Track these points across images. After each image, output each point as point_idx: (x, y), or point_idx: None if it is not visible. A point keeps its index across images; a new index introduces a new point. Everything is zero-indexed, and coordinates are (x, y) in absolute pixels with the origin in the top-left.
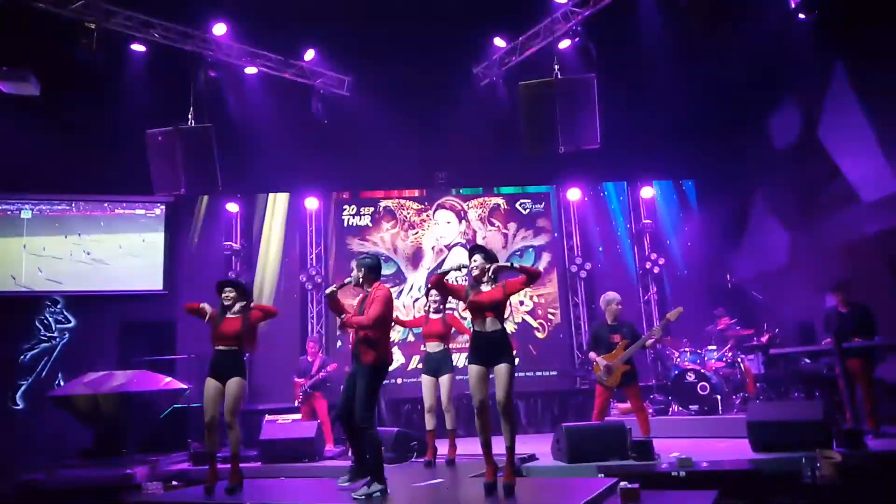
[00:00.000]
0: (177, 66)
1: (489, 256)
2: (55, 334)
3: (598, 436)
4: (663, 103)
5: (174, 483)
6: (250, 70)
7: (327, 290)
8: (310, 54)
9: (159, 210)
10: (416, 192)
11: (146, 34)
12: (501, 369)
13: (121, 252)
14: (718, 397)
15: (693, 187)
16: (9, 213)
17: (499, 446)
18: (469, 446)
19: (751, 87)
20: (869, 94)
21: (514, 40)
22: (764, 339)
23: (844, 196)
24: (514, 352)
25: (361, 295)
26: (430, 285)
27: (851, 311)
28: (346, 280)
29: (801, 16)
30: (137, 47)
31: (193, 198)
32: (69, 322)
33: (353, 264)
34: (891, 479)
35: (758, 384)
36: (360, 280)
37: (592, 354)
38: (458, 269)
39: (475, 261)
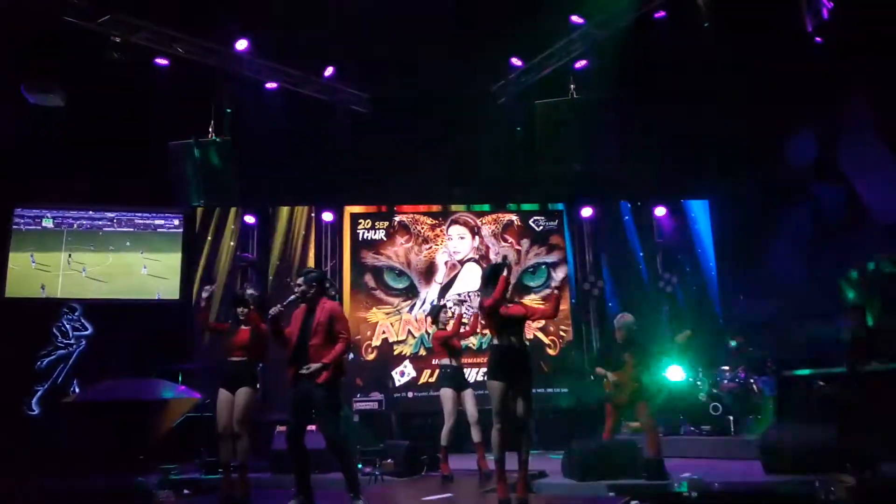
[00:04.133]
0: (199, 81)
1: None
2: (72, 341)
3: (609, 454)
4: (679, 123)
5: (186, 491)
6: (271, 85)
7: (273, 312)
8: (329, 70)
9: (178, 221)
10: (431, 208)
11: (170, 49)
12: (527, 386)
13: (139, 262)
14: (731, 418)
15: (707, 208)
16: (31, 222)
17: (508, 463)
18: (462, 461)
19: (767, 108)
20: (887, 117)
21: (531, 60)
22: (773, 364)
23: (860, 219)
24: None
25: (302, 309)
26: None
27: (868, 334)
28: (292, 297)
29: (818, 39)
30: (161, 61)
31: (212, 209)
32: (86, 330)
33: (300, 280)
34: None
35: (770, 406)
36: (309, 295)
37: (601, 370)
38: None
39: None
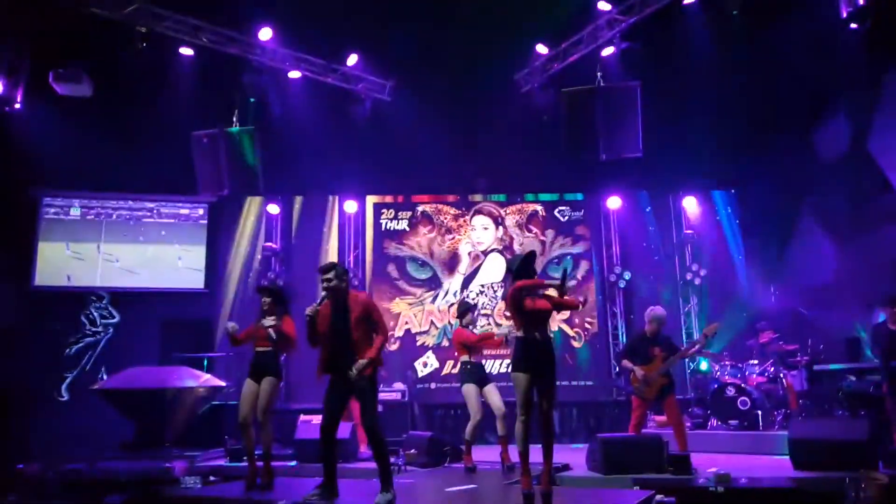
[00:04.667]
0: (223, 70)
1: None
2: (100, 329)
3: (635, 448)
4: (708, 112)
5: (211, 478)
6: (294, 74)
7: (309, 312)
8: (352, 59)
9: (202, 210)
10: (454, 198)
11: (194, 38)
12: (551, 379)
13: (164, 251)
14: (759, 413)
15: (737, 198)
16: (59, 212)
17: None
18: (483, 453)
19: (799, 96)
20: None
21: (557, 47)
22: (804, 359)
23: (894, 210)
24: None
25: (326, 304)
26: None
27: None
28: (324, 296)
29: (853, 25)
30: (185, 51)
31: (235, 198)
32: (113, 318)
33: (331, 275)
34: None
35: (800, 401)
36: (342, 287)
37: (627, 363)
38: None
39: (535, 268)
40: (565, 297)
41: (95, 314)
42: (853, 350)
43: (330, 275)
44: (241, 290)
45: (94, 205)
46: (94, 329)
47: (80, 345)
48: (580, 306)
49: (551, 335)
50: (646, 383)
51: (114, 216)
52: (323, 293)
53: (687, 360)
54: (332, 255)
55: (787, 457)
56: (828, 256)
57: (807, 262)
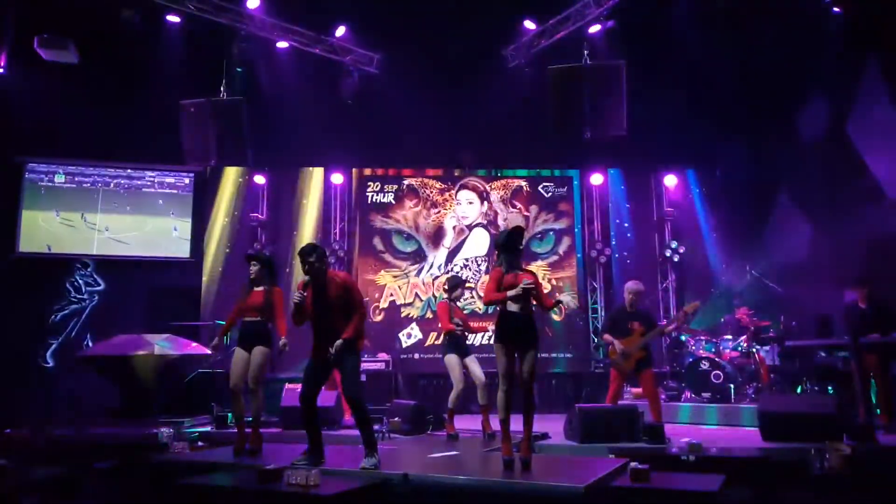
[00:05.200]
0: (211, 39)
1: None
2: (85, 296)
3: (611, 418)
4: (691, 91)
5: (199, 444)
6: (282, 45)
7: (296, 299)
8: (340, 31)
9: (188, 180)
10: (440, 172)
11: (182, 6)
12: (532, 351)
13: (150, 220)
14: (732, 386)
15: (716, 177)
16: (43, 178)
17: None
18: (465, 422)
19: (780, 78)
20: None
21: (545, 23)
22: (776, 335)
23: (870, 192)
24: None
25: (305, 281)
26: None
27: (871, 307)
28: (306, 280)
29: (836, 9)
30: (173, 18)
31: (221, 169)
32: (98, 285)
33: (312, 258)
34: None
35: (772, 375)
36: (322, 270)
37: (608, 337)
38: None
39: (522, 243)
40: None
41: (80, 281)
42: (824, 327)
43: (312, 257)
44: (226, 260)
45: (80, 172)
46: (79, 296)
47: (66, 312)
48: (554, 307)
49: (532, 308)
50: (623, 357)
51: (99, 184)
52: (306, 277)
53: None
54: (318, 227)
55: (757, 429)
56: (803, 236)
57: (782, 241)
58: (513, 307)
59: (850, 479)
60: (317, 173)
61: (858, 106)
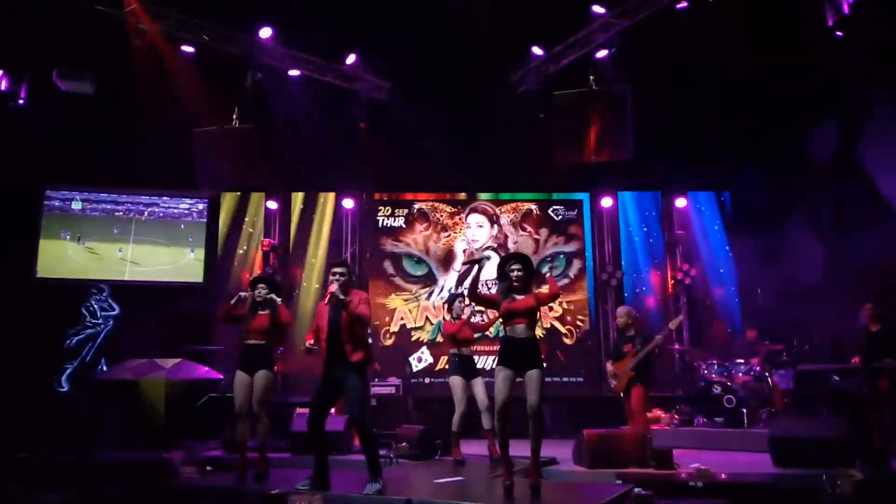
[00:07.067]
0: (224, 68)
1: (527, 265)
2: (100, 321)
3: (619, 443)
4: (701, 114)
5: (208, 468)
6: (293, 72)
7: (326, 300)
8: (351, 59)
9: (202, 206)
10: (450, 196)
11: (195, 36)
12: (534, 374)
13: (164, 244)
14: (744, 411)
15: (728, 200)
16: (60, 205)
17: (521, 449)
18: (475, 447)
19: (790, 102)
20: None
21: (552, 49)
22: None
23: (881, 216)
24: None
25: (330, 299)
26: (471, 299)
27: (883, 331)
28: (339, 295)
29: (839, 33)
30: (187, 49)
31: (236, 194)
32: (113, 310)
33: (343, 270)
34: None
35: (785, 400)
36: (349, 285)
37: (608, 362)
38: (479, 261)
39: (515, 270)
40: (543, 292)
41: (96, 306)
42: (837, 350)
43: (343, 269)
44: (239, 285)
45: (96, 198)
46: (94, 321)
47: (81, 336)
48: (556, 290)
49: (533, 332)
50: (615, 378)
51: (115, 211)
52: (336, 289)
53: (676, 356)
54: (329, 251)
55: (769, 454)
56: (815, 259)
57: (795, 263)
58: (513, 331)
59: None
60: (329, 198)
61: (869, 129)
